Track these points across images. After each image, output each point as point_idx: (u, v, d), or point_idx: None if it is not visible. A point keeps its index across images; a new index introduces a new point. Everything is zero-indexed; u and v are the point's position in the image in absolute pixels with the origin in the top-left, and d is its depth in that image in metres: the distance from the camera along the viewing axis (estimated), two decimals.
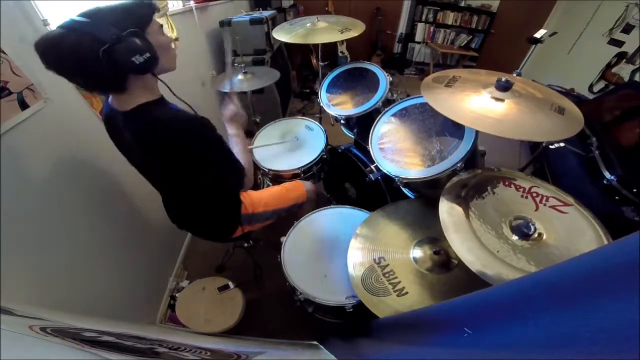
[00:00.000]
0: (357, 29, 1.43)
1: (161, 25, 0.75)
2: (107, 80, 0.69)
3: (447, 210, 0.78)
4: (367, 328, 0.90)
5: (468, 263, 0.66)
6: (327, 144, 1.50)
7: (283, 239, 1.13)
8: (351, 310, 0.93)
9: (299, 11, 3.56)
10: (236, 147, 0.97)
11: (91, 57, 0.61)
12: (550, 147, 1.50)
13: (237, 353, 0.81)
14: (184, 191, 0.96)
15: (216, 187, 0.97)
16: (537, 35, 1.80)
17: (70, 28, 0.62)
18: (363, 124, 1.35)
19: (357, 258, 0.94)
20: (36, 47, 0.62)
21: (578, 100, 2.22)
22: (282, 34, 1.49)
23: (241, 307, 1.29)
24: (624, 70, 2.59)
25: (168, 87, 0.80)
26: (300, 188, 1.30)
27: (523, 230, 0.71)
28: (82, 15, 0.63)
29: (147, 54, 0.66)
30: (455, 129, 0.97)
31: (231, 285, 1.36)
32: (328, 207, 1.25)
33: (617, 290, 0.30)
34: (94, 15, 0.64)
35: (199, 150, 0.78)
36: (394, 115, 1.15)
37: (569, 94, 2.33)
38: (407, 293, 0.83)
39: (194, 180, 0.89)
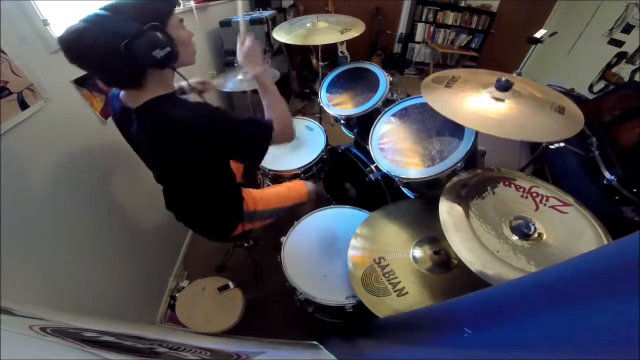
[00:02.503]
0: (357, 28, 1.43)
1: (181, 19, 0.75)
2: (127, 75, 0.69)
3: (447, 210, 0.78)
4: (367, 328, 0.90)
5: (468, 263, 0.66)
6: (327, 144, 1.51)
7: (283, 239, 1.13)
8: (351, 310, 0.93)
9: (298, 11, 3.56)
10: (265, 98, 0.88)
11: (112, 51, 0.61)
12: (550, 147, 1.50)
13: (237, 353, 0.81)
14: (189, 184, 0.95)
15: (219, 182, 0.96)
16: (537, 35, 1.81)
17: (92, 22, 0.62)
18: (363, 124, 1.35)
19: (357, 258, 0.94)
20: (60, 42, 0.62)
21: (578, 100, 2.22)
22: (282, 35, 1.49)
23: (241, 307, 1.29)
24: (624, 70, 2.59)
25: (185, 79, 0.80)
26: (302, 188, 1.30)
27: (523, 230, 0.71)
28: (104, 8, 0.63)
29: (168, 48, 0.66)
30: (455, 129, 0.97)
31: (231, 285, 1.36)
32: (328, 207, 1.25)
33: (617, 290, 0.30)
34: (115, 9, 0.64)
35: (218, 135, 0.76)
36: (394, 115, 1.15)
37: (569, 94, 2.34)
38: (407, 293, 0.83)
39: (201, 174, 0.88)
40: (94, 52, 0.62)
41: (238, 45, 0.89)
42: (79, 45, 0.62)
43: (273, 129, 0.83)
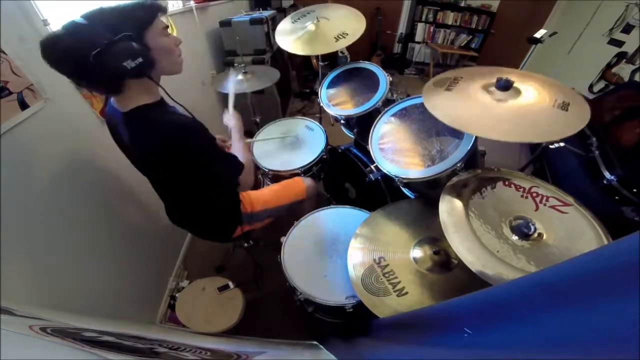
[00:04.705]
0: (356, 26, 1.43)
1: (166, 27, 0.75)
2: (102, 83, 0.70)
3: (447, 210, 0.78)
4: (367, 328, 0.90)
5: (468, 263, 0.66)
6: (327, 144, 1.50)
7: (283, 239, 1.13)
8: (351, 310, 0.93)
9: None
10: (237, 144, 1.02)
11: (83, 60, 0.61)
12: (550, 147, 1.50)
13: (237, 353, 0.81)
14: (181, 191, 0.96)
15: (211, 186, 0.97)
16: (537, 35, 1.81)
17: (68, 30, 0.63)
18: (363, 124, 1.34)
19: (357, 258, 0.94)
20: (40, 46, 0.63)
21: None
22: (285, 39, 1.49)
23: (241, 307, 1.29)
24: (624, 70, 2.59)
25: (164, 91, 0.79)
26: (300, 184, 1.30)
27: (523, 230, 0.71)
28: (83, 16, 0.64)
29: (140, 59, 0.66)
30: (455, 129, 0.97)
31: (231, 285, 1.36)
32: (328, 207, 1.25)
33: (617, 290, 0.30)
34: (92, 18, 0.64)
35: (190, 153, 0.77)
36: (394, 115, 1.15)
37: None
38: (407, 293, 0.83)
39: (189, 180, 0.88)
40: (67, 60, 0.63)
41: (228, 112, 1.13)
42: (53, 52, 0.63)
43: (243, 165, 0.90)
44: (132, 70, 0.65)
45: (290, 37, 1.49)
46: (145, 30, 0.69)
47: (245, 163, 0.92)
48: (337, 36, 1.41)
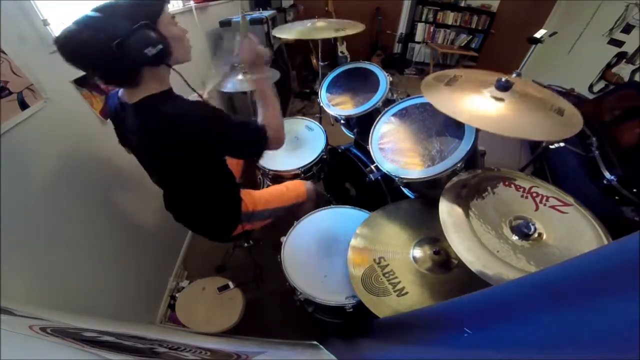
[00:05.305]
0: (355, 29, 1.44)
1: (173, 16, 0.76)
2: (122, 73, 0.71)
3: (447, 210, 0.78)
4: (367, 328, 0.90)
5: (468, 263, 0.66)
6: (327, 144, 1.51)
7: (283, 239, 1.13)
8: (351, 310, 0.93)
9: (299, 11, 3.56)
10: (261, 103, 0.92)
11: (104, 52, 0.63)
12: (550, 147, 1.50)
13: (237, 353, 0.81)
14: (186, 185, 0.95)
15: (213, 184, 0.96)
16: (537, 35, 1.81)
17: (83, 24, 0.63)
18: (363, 124, 1.35)
19: (357, 258, 0.94)
20: (55, 43, 0.64)
21: (578, 100, 2.22)
22: (283, 32, 1.50)
23: (241, 307, 1.29)
24: (624, 70, 2.59)
25: (182, 77, 0.80)
26: (301, 187, 1.30)
27: (523, 230, 0.71)
28: (95, 10, 0.65)
29: (160, 46, 0.67)
30: (455, 129, 0.97)
31: (231, 285, 1.36)
32: (328, 207, 1.25)
33: (617, 290, 0.30)
34: (106, 10, 0.65)
35: (210, 134, 0.78)
36: (394, 115, 1.15)
37: (569, 94, 2.34)
38: (407, 293, 0.83)
39: (193, 176, 0.88)
40: (86, 53, 0.64)
41: (243, 47, 0.92)
42: (71, 46, 0.63)
43: (266, 132, 0.87)
44: (153, 57, 0.67)
45: (290, 31, 1.51)
46: (157, 19, 0.70)
47: (271, 120, 0.88)
48: (337, 29, 1.42)
